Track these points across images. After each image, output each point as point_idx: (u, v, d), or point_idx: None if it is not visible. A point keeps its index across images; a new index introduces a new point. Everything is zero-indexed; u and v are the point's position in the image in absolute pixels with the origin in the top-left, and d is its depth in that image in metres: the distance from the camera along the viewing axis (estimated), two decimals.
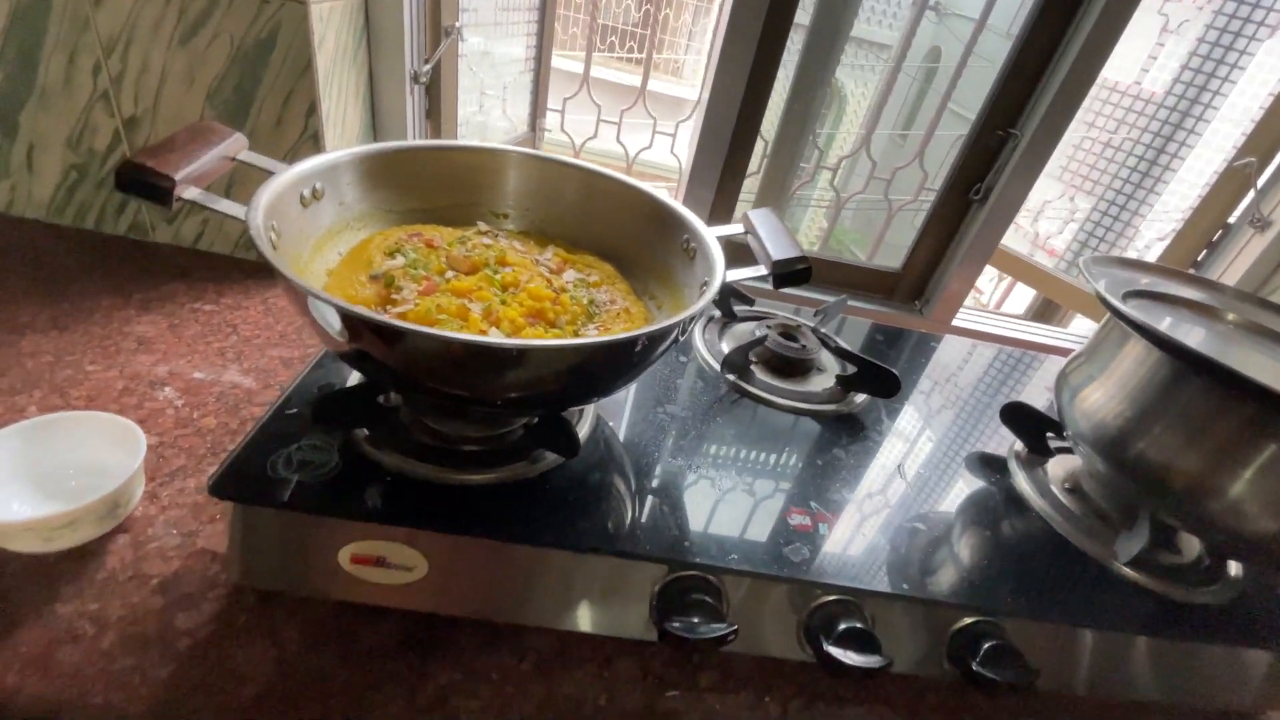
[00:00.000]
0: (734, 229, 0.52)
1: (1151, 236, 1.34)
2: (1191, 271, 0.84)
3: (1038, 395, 0.79)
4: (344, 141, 0.78)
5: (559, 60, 1.34)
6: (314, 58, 0.68)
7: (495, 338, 0.41)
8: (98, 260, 0.75)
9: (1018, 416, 0.63)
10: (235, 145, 0.45)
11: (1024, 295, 2.19)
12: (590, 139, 1.41)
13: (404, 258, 0.48)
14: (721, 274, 0.44)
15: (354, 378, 0.53)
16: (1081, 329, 1.44)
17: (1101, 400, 0.53)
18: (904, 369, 0.73)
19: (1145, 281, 0.59)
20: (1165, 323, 0.55)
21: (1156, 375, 0.49)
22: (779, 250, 0.46)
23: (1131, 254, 1.50)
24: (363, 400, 0.44)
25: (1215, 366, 0.44)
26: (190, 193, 0.39)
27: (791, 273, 0.45)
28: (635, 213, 0.55)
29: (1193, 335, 0.55)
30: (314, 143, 0.73)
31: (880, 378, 0.63)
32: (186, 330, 0.68)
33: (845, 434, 0.61)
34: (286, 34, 0.67)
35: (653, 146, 1.37)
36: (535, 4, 1.15)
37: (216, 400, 0.60)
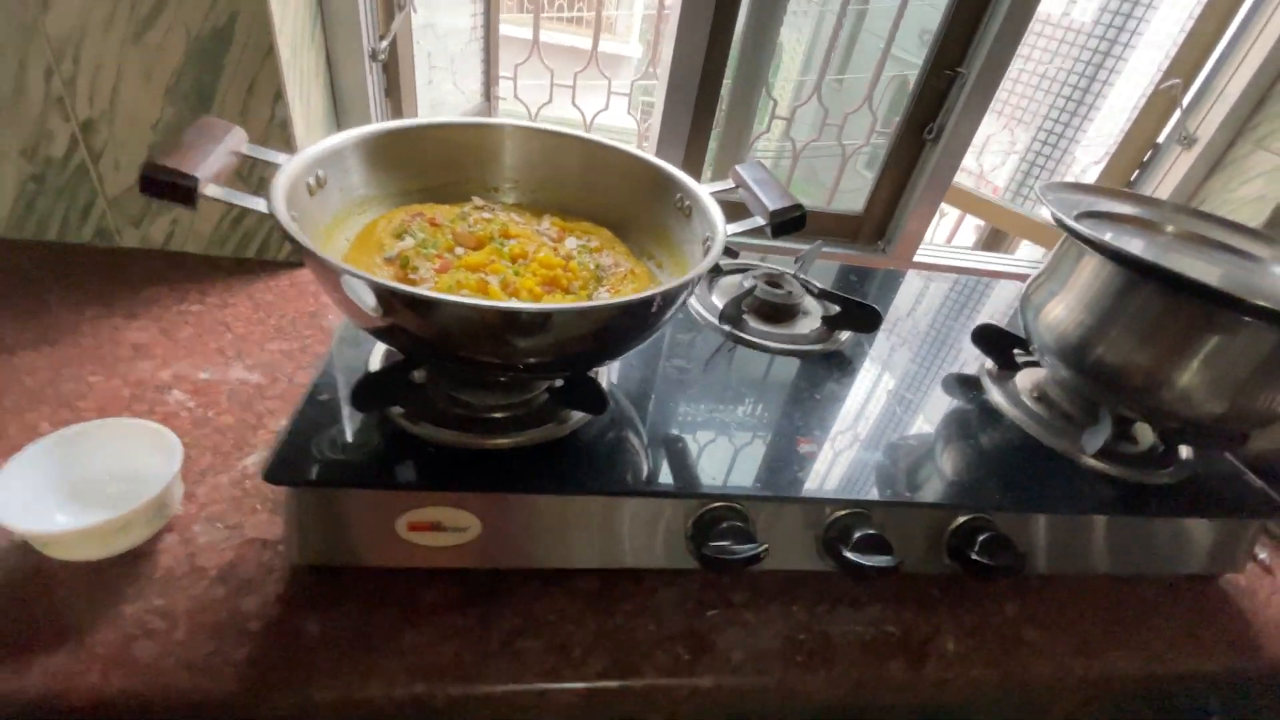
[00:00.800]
0: (725, 185, 0.55)
1: (1088, 161, 1.42)
2: (1129, 190, 0.91)
3: (999, 317, 0.86)
4: (310, 127, 0.77)
5: (504, 27, 1.32)
6: (275, 43, 0.67)
7: (523, 303, 0.44)
8: (69, 271, 0.73)
9: (987, 337, 0.69)
10: (237, 139, 0.45)
11: (970, 227, 2.29)
12: (545, 104, 1.40)
13: (413, 238, 0.50)
14: (723, 230, 0.47)
15: (375, 361, 0.54)
16: (1028, 255, 1.54)
17: (1063, 314, 0.58)
18: (878, 305, 0.79)
19: (1091, 202, 0.65)
20: (1113, 237, 0.61)
21: (1110, 285, 0.55)
22: (773, 200, 0.49)
23: (1070, 179, 1.59)
24: (397, 379, 0.46)
25: (1160, 271, 0.49)
26: (211, 190, 0.39)
27: (788, 220, 0.48)
28: (628, 177, 0.57)
29: (1138, 246, 0.60)
30: (282, 130, 0.72)
31: (862, 314, 0.67)
32: (179, 333, 0.67)
33: (836, 369, 0.66)
34: (245, 21, 0.65)
35: (609, 108, 1.37)
36: None
37: (228, 398, 0.61)
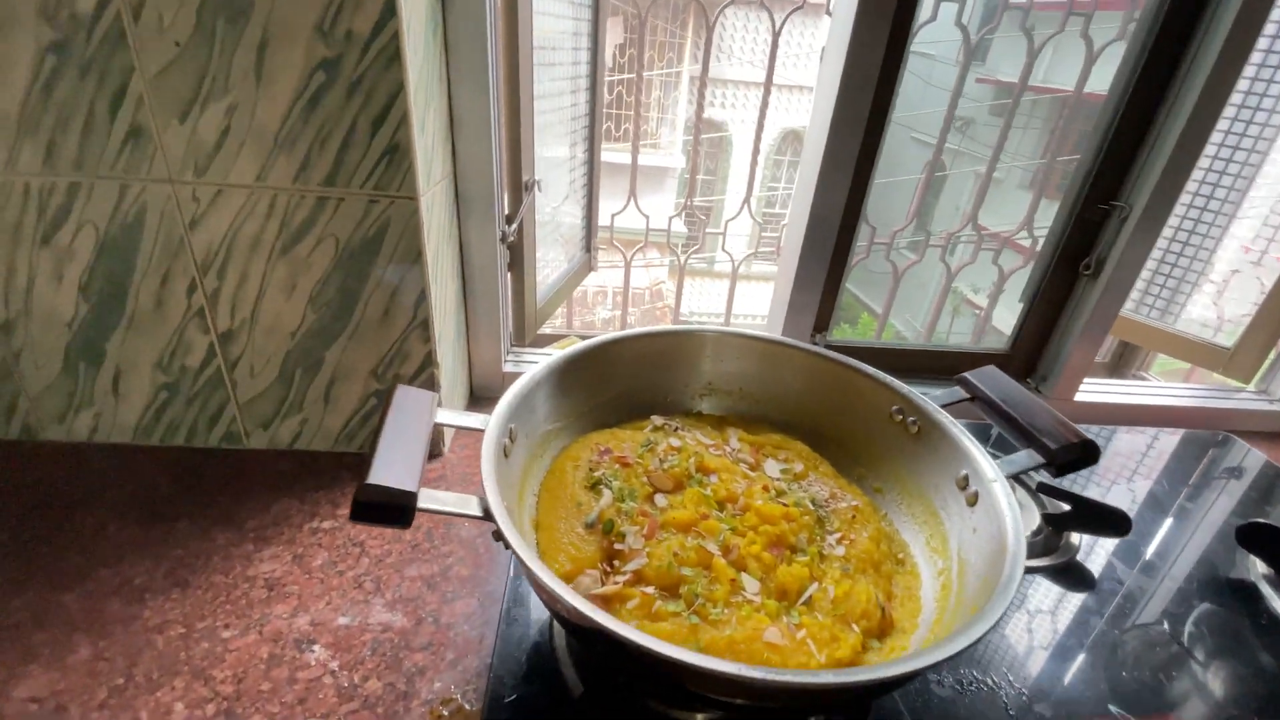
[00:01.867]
0: (953, 394, 0.46)
1: (1234, 258, 1.29)
2: None
3: (1247, 495, 0.72)
4: (444, 319, 0.74)
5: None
6: (424, 248, 0.65)
7: (789, 674, 0.34)
8: (196, 482, 0.69)
9: (1259, 539, 0.56)
10: (432, 410, 0.39)
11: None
12: (617, 213, 1.39)
13: (608, 489, 0.42)
14: (993, 472, 0.38)
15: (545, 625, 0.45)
16: (1204, 382, 1.35)
17: None
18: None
19: None
20: None
21: None
22: (1048, 427, 0.40)
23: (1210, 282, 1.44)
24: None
25: None
26: (426, 500, 0.33)
27: (1077, 459, 0.39)
28: (820, 381, 0.50)
29: None
30: (423, 330, 0.69)
31: (1105, 517, 0.56)
32: (313, 560, 0.61)
33: (1080, 585, 0.54)
34: (395, 229, 0.63)
35: (701, 247, 1.35)
36: (584, 113, 1.13)
37: (372, 653, 0.53)
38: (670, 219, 1.59)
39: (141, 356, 0.69)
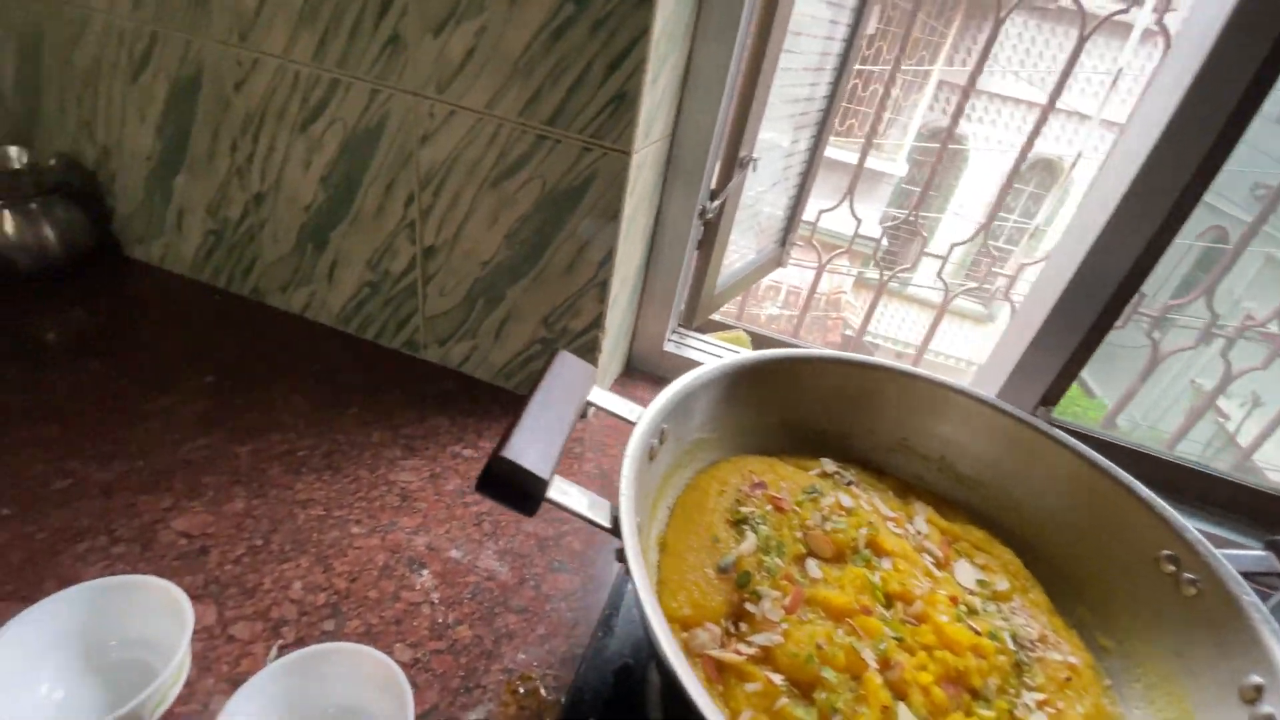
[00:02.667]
0: (1264, 562, 0.33)
1: None
2: None
3: None
4: (622, 284, 0.71)
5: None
6: (623, 207, 0.61)
7: None
8: (372, 378, 0.74)
9: None
10: (588, 388, 0.36)
11: None
12: (827, 210, 1.27)
13: (753, 532, 0.36)
14: None
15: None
16: None
17: None
18: None
19: None
20: None
21: None
22: None
23: None
24: None
25: None
26: (557, 493, 0.29)
27: None
28: (1067, 487, 0.38)
29: None
30: (600, 290, 0.66)
31: None
32: (447, 484, 0.62)
33: None
34: (601, 182, 0.61)
35: (915, 269, 1.19)
36: (820, 97, 1.03)
37: (471, 598, 0.52)
38: (884, 229, 1.44)
39: (357, 252, 0.74)
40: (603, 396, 0.36)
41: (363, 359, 0.77)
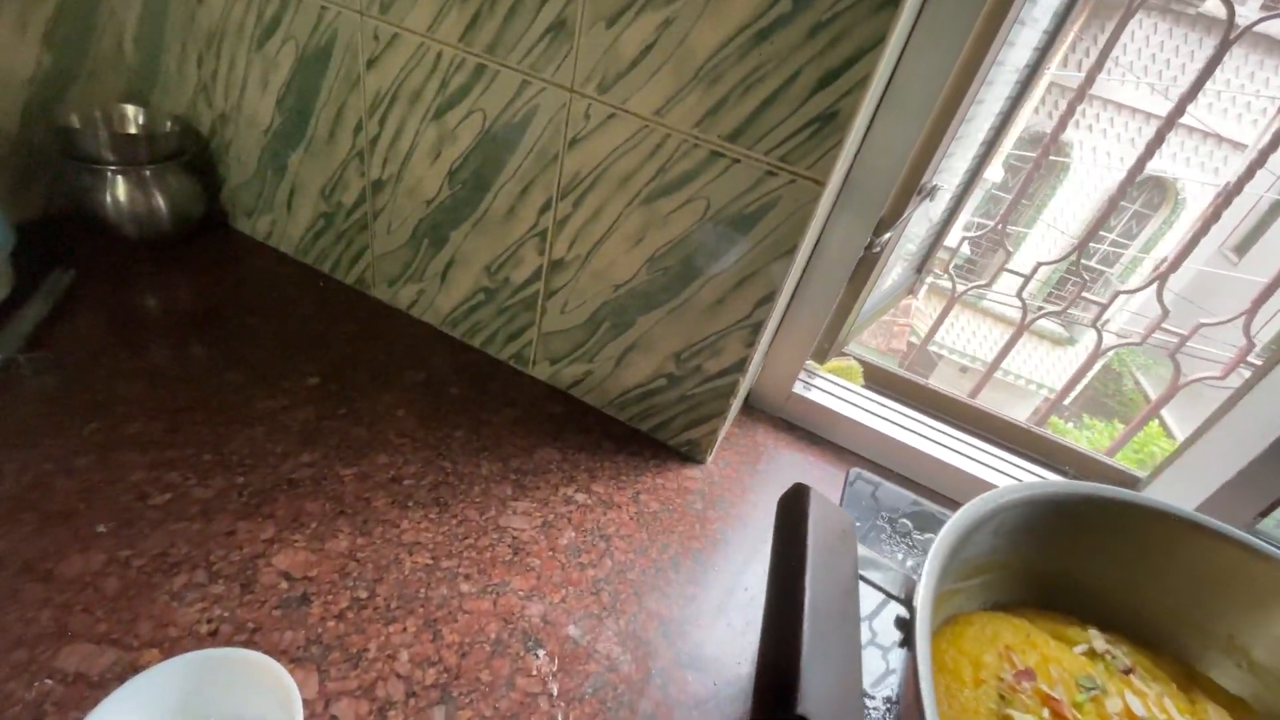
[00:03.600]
0: None
1: None
2: None
3: None
4: (771, 323, 0.62)
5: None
6: (800, 243, 0.52)
7: None
8: (480, 395, 0.68)
9: None
10: (852, 550, 0.27)
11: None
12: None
13: None
14: None
15: None
16: None
17: None
18: None
19: None
20: None
21: None
22: None
23: None
24: None
25: None
26: None
27: None
28: None
29: None
30: (751, 333, 0.58)
31: None
32: (560, 537, 0.55)
33: None
34: (780, 212, 0.52)
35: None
36: (995, 113, 0.90)
37: (593, 693, 0.45)
38: (963, 239, 1.29)
39: (477, 255, 0.67)
40: (874, 572, 0.27)
41: (469, 369, 0.71)
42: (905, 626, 0.22)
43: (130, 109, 0.75)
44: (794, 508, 0.26)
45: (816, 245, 0.65)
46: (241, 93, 0.71)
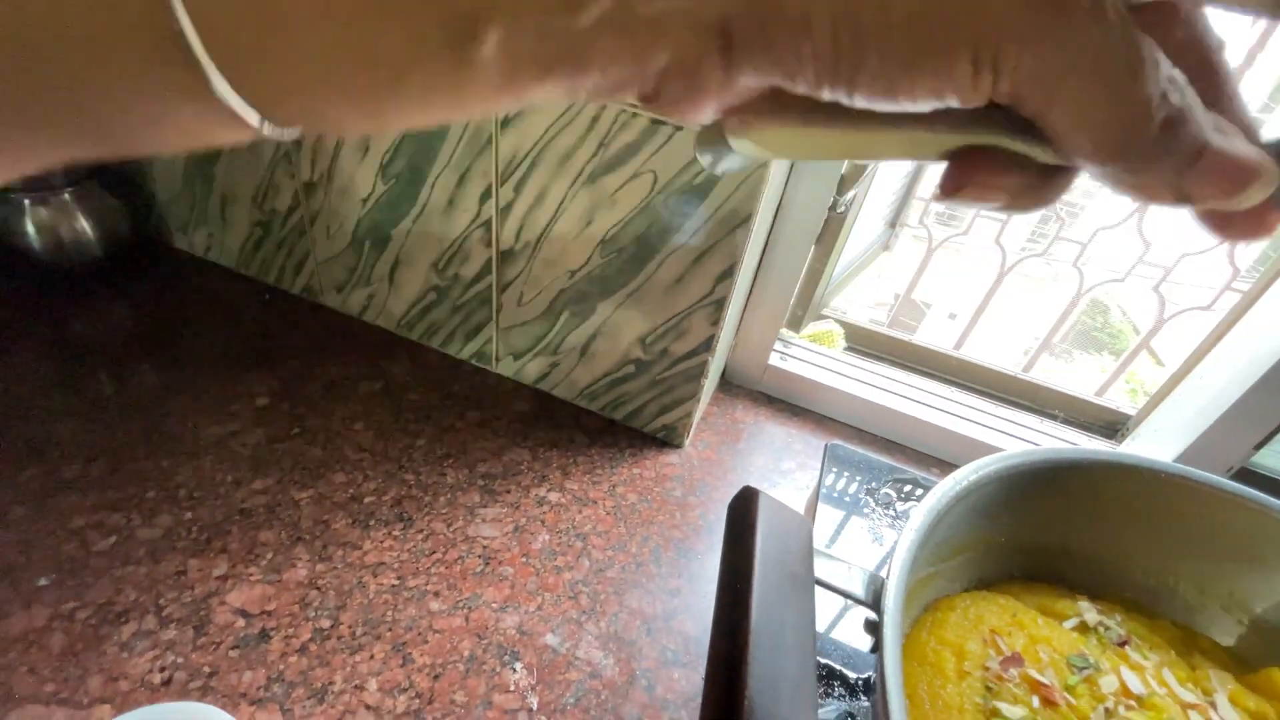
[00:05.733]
0: None
1: None
2: None
3: None
4: (736, 297, 0.59)
5: None
6: (756, 210, 0.49)
7: None
8: (442, 398, 0.65)
9: None
10: (807, 554, 0.24)
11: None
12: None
13: None
14: None
15: None
16: None
17: None
18: None
19: None
20: None
21: None
22: None
23: None
24: None
25: None
26: None
27: None
28: None
29: None
30: (714, 310, 0.55)
31: None
32: (534, 541, 0.53)
33: None
34: (731, 179, 0.48)
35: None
36: None
37: (575, 703, 0.43)
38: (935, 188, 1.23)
39: (422, 252, 0.64)
40: (829, 569, 0.25)
41: (428, 373, 0.68)
42: (874, 630, 0.20)
43: None
44: (742, 514, 0.24)
45: (778, 211, 0.62)
46: None
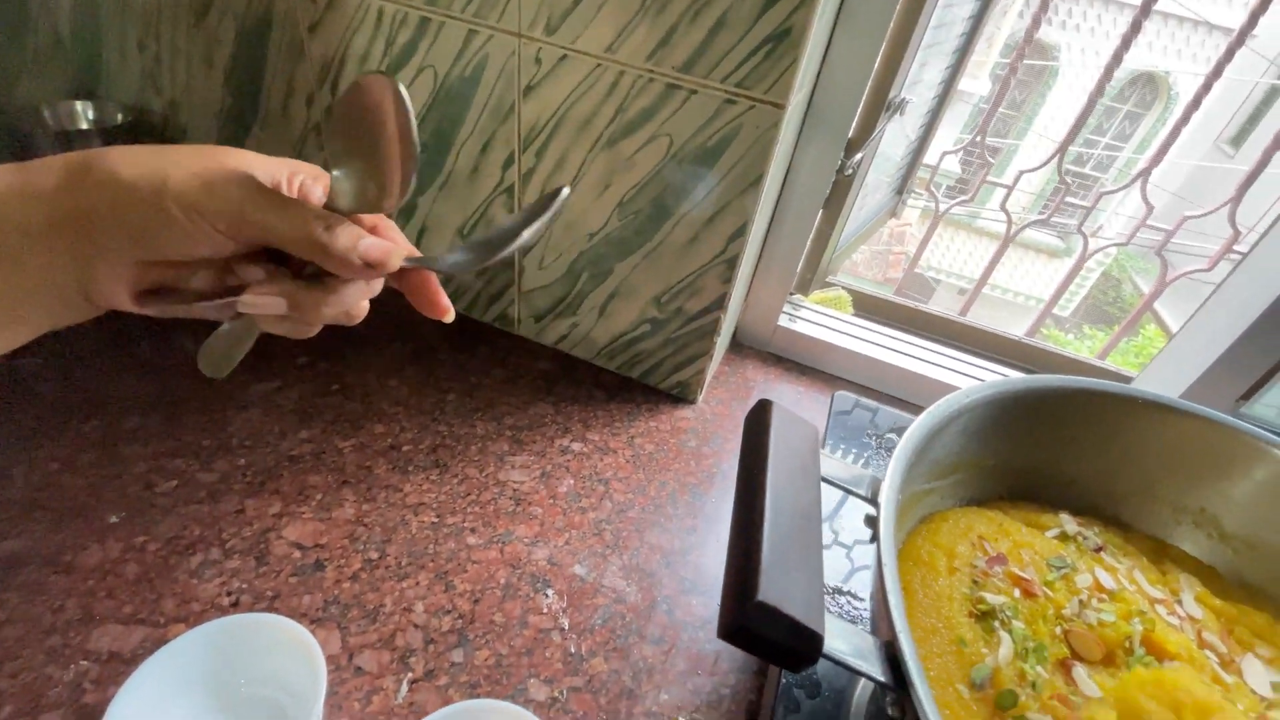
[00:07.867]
0: None
1: None
2: None
3: None
4: (748, 258, 0.62)
5: None
6: (766, 171, 0.52)
7: None
8: (469, 358, 0.69)
9: None
10: (814, 456, 0.28)
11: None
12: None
13: (1006, 634, 0.29)
14: None
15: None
16: None
17: None
18: None
19: None
20: None
21: None
22: None
23: None
24: None
25: None
26: (833, 648, 0.22)
27: None
28: None
29: None
30: (727, 269, 0.58)
31: None
32: (560, 485, 0.57)
33: None
34: (743, 142, 0.51)
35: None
36: (964, 17, 0.88)
37: (602, 624, 0.47)
38: (943, 155, 1.20)
39: (448, 219, 0.67)
40: (836, 468, 0.28)
41: (455, 335, 0.71)
42: (873, 522, 0.23)
43: (79, 105, 0.74)
44: (757, 420, 0.27)
45: (787, 174, 0.64)
46: (189, 74, 0.69)
